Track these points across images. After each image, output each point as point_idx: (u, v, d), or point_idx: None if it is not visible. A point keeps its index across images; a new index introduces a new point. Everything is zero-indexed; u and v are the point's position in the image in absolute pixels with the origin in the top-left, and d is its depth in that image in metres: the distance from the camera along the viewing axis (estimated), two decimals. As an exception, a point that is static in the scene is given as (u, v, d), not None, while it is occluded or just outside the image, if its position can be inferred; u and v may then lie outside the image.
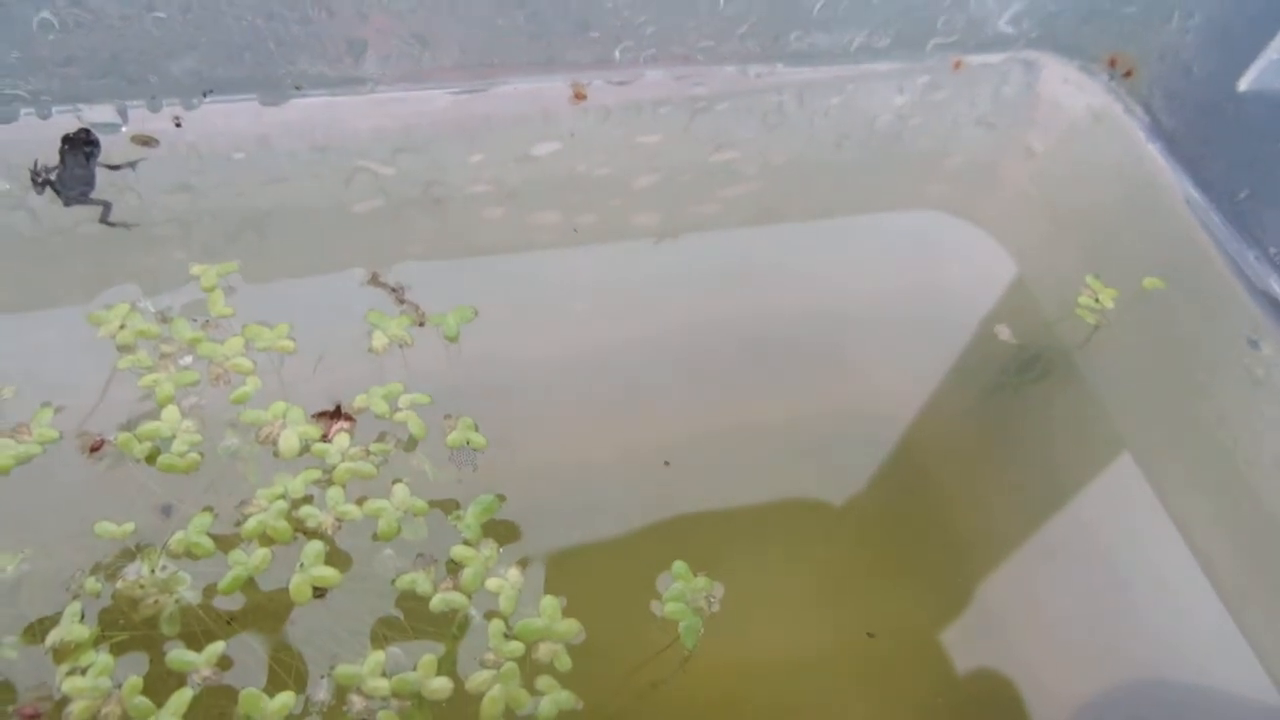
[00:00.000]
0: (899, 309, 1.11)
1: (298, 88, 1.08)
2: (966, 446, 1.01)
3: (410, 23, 1.06)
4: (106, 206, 1.01)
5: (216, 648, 0.73)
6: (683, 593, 0.80)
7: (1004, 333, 1.05)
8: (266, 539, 0.78)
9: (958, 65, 1.29)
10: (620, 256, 1.12)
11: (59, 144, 1.01)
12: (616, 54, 1.17)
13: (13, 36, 0.96)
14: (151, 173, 1.03)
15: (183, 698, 0.70)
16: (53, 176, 1.01)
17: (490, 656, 0.75)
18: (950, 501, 0.96)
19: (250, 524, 0.79)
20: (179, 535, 0.78)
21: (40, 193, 1.01)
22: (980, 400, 1.05)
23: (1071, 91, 1.31)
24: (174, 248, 0.99)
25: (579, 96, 1.17)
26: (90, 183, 1.02)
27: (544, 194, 1.13)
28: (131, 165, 1.04)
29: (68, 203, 1.01)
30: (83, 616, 0.73)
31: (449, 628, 0.77)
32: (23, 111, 1.02)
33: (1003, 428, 1.02)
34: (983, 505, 0.96)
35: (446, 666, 0.74)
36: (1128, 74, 1.27)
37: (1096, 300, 1.07)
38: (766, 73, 1.25)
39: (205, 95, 1.05)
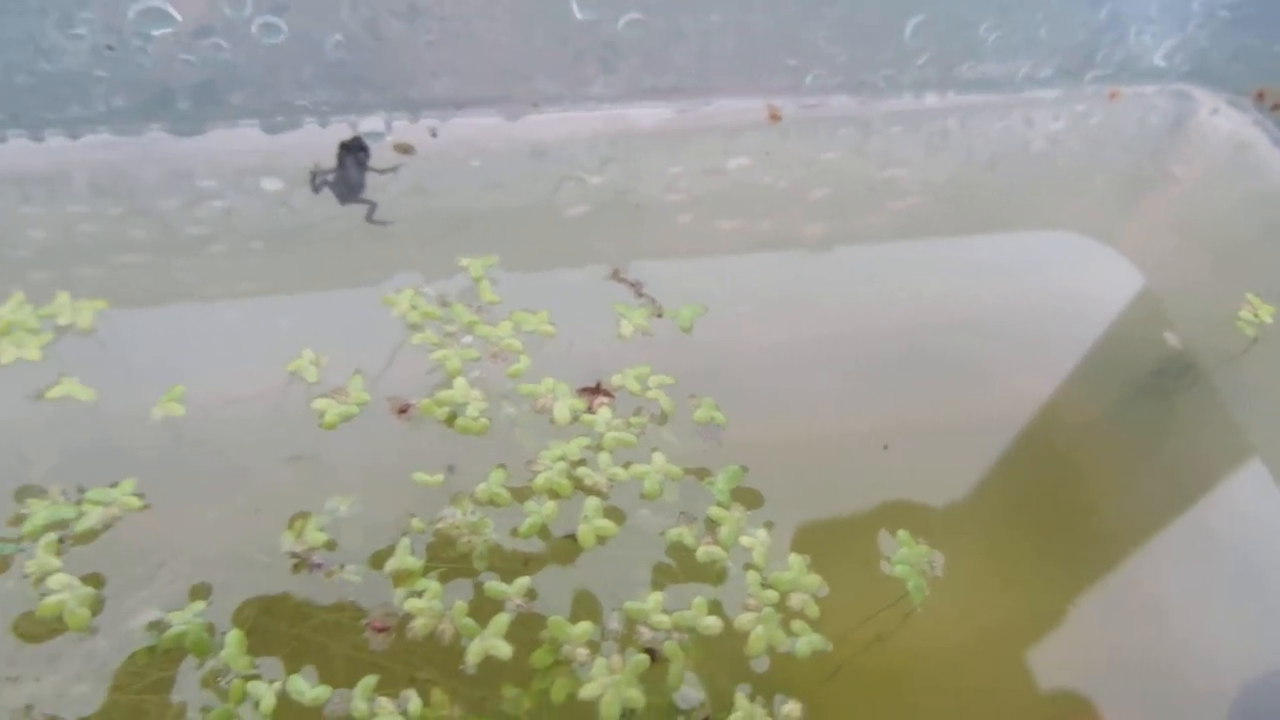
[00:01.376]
0: (1050, 319, 1.21)
1: (535, 105, 1.20)
2: (1121, 446, 1.10)
3: (640, 49, 1.18)
4: (373, 206, 1.14)
5: (523, 581, 0.85)
6: (908, 557, 0.91)
7: (1171, 339, 1.14)
8: (553, 493, 0.91)
9: (1114, 95, 1.38)
10: (794, 261, 1.22)
11: (337, 150, 1.15)
12: (808, 80, 1.28)
13: (309, 56, 1.10)
14: (406, 177, 1.17)
15: (501, 620, 0.82)
16: (330, 178, 1.15)
17: (751, 601, 0.86)
18: (1102, 494, 1.05)
19: (539, 479, 0.91)
20: (482, 486, 0.90)
21: (317, 192, 1.15)
22: (1132, 403, 1.14)
23: (1220, 122, 1.40)
24: (433, 241, 1.12)
25: (774, 117, 1.28)
26: (362, 184, 1.15)
27: (730, 203, 1.24)
28: (393, 170, 1.17)
29: (343, 201, 1.14)
30: (411, 550, 0.85)
31: (710, 576, 0.88)
32: (306, 121, 1.16)
33: (1155, 430, 1.12)
34: (1132, 499, 1.05)
35: (714, 608, 0.86)
36: (1275, 107, 1.35)
37: (1255, 315, 1.15)
38: (938, 98, 1.35)
39: (458, 110, 1.18)
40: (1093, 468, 1.08)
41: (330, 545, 0.85)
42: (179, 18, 1.03)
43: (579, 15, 1.13)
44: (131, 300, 1.01)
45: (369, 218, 1.14)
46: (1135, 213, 1.39)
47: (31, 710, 0.74)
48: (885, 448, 1.00)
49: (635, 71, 1.20)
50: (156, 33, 1.03)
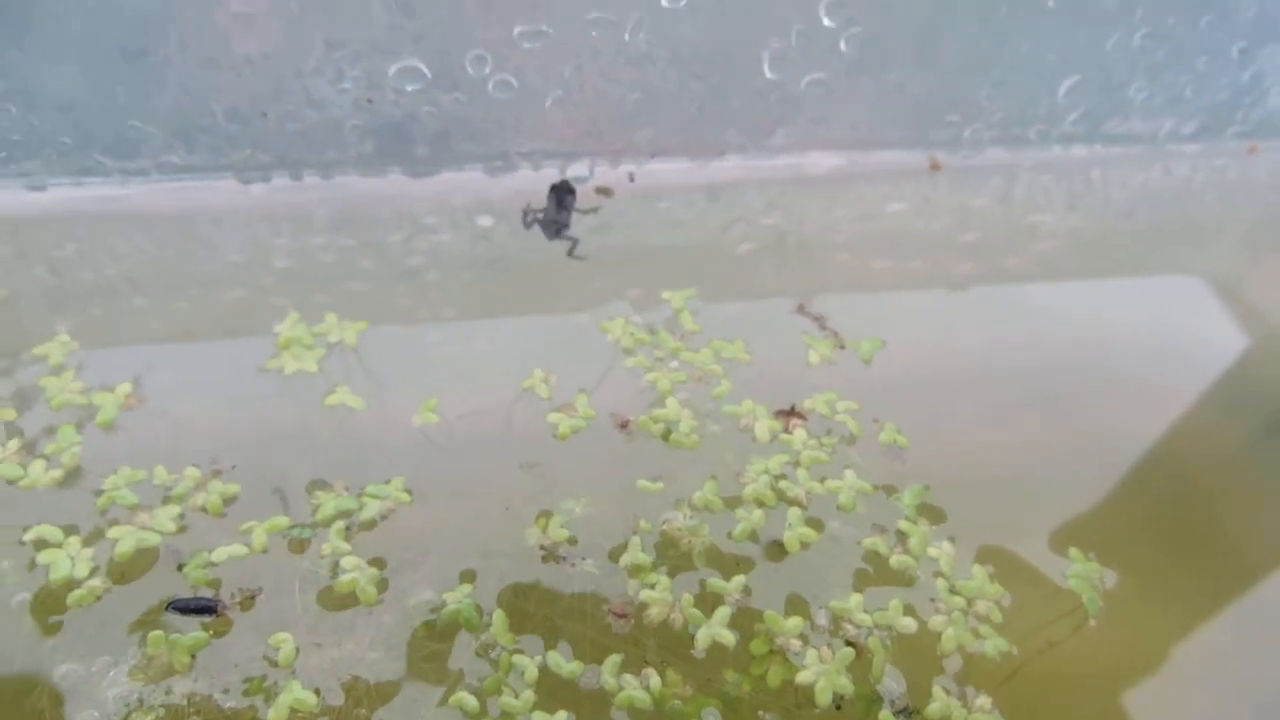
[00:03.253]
0: (1181, 361, 1.26)
1: (721, 154, 1.31)
2: (1258, 479, 1.16)
3: (819, 105, 1.28)
4: (575, 242, 1.25)
5: (740, 579, 0.94)
6: (1082, 572, 0.98)
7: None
8: (759, 503, 1.00)
9: (1252, 150, 1.43)
10: (939, 298, 1.30)
11: (548, 192, 1.27)
12: (966, 133, 1.36)
13: (531, 108, 1.22)
14: (601, 216, 1.28)
15: (723, 612, 0.92)
16: (540, 216, 1.26)
17: (941, 605, 0.94)
18: (1241, 525, 1.10)
19: (747, 490, 1.00)
20: (698, 494, 1.00)
21: (528, 228, 1.26)
22: (1266, 440, 1.19)
23: (1355, 176, 1.45)
24: (626, 274, 1.22)
25: (935, 167, 1.37)
26: (567, 223, 1.26)
27: (884, 245, 1.33)
28: (594, 210, 1.28)
29: (550, 237, 1.26)
30: (641, 547, 0.95)
31: (902, 582, 0.96)
32: (522, 166, 1.28)
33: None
34: (1269, 528, 1.10)
35: (908, 610, 0.94)
36: None
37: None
38: (1085, 150, 1.42)
39: (653, 158, 1.29)
40: (1231, 500, 1.14)
41: (571, 541, 0.96)
42: (429, 75, 1.15)
43: (769, 75, 1.23)
44: (382, 320, 1.14)
45: (570, 253, 1.25)
46: (1266, 261, 1.44)
47: (337, 669, 0.86)
48: (1047, 472, 1.07)
49: (812, 124, 1.30)
50: (410, 88, 1.16)
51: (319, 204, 1.26)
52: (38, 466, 0.96)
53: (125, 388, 1.03)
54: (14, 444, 0.97)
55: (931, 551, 0.98)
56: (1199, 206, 1.47)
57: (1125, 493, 1.09)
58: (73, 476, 0.96)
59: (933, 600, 0.95)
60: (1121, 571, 1.00)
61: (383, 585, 0.91)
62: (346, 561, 0.92)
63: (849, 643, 0.91)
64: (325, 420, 1.04)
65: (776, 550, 0.97)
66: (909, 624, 0.93)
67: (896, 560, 0.97)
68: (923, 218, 1.38)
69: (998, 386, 1.19)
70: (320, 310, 1.13)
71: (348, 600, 0.90)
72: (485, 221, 1.28)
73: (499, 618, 0.89)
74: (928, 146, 1.36)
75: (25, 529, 0.91)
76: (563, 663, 0.87)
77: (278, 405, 1.04)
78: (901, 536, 0.99)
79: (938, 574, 0.96)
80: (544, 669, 0.87)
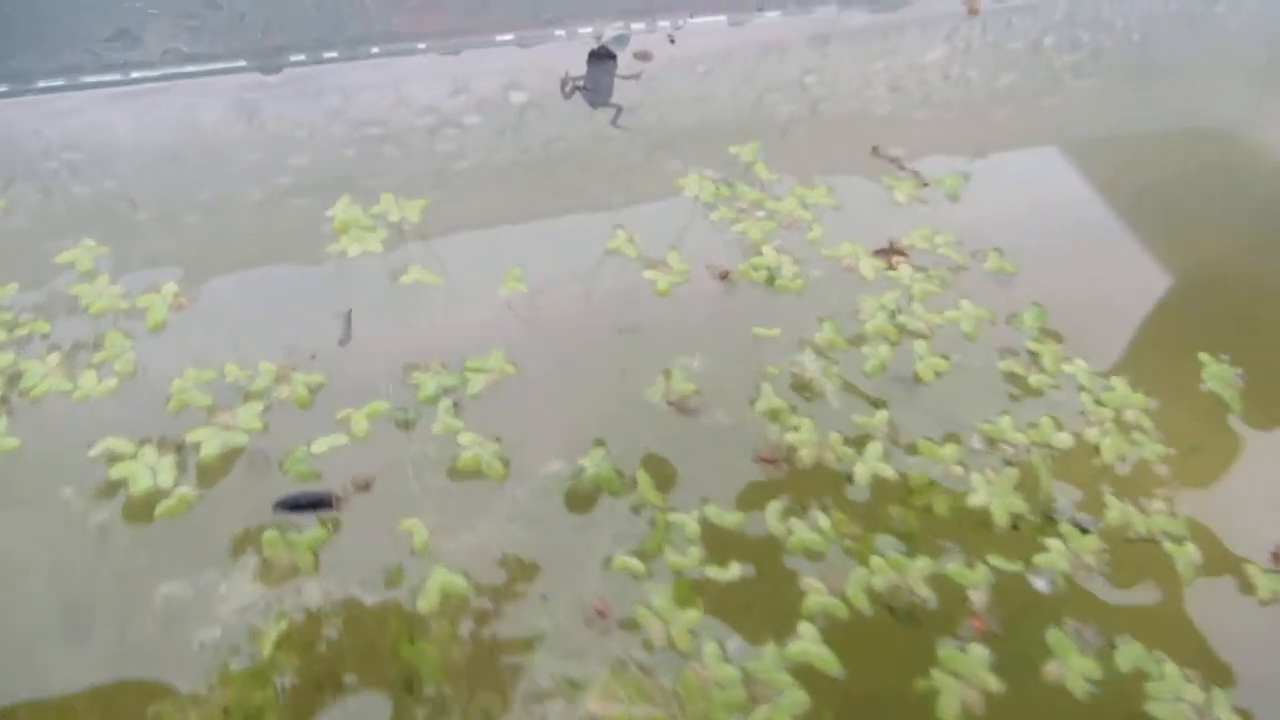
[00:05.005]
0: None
1: (760, 9, 1.21)
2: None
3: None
4: (619, 110, 1.15)
5: (883, 413, 0.86)
6: (1216, 374, 0.92)
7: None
8: (883, 337, 0.92)
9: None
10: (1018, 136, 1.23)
11: (587, 59, 1.15)
12: (997, -27, 1.29)
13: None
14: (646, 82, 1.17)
15: (876, 447, 0.83)
16: (581, 85, 1.15)
17: (1091, 416, 0.88)
18: None
19: (868, 326, 0.92)
20: (819, 334, 0.91)
21: (568, 98, 1.15)
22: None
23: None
24: (680, 139, 1.12)
25: (973, 11, 1.29)
26: (610, 90, 1.15)
27: (927, 93, 1.25)
28: (636, 76, 1.17)
29: (594, 105, 1.14)
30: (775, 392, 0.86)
31: (1043, 399, 0.89)
32: (555, 33, 1.16)
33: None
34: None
35: (1058, 424, 0.87)
36: None
37: None
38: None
39: (691, 16, 1.19)
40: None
41: (695, 393, 0.86)
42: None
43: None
44: (441, 201, 1.01)
45: (614, 122, 1.14)
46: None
47: (480, 549, 0.75)
48: (1157, 288, 1.02)
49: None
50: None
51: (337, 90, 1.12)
52: (89, 378, 0.82)
53: (171, 287, 0.89)
54: (54, 358, 0.83)
55: (1066, 368, 0.91)
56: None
57: (1243, 295, 1.03)
58: (130, 384, 0.83)
59: (1082, 413, 0.88)
60: (1250, 370, 0.95)
61: (505, 460, 0.81)
62: (464, 438, 0.81)
63: (1008, 462, 0.84)
64: (401, 300, 0.92)
65: (909, 384, 0.89)
66: (1065, 438, 0.86)
67: (1035, 379, 0.90)
68: (960, 65, 1.30)
69: (1087, 211, 1.12)
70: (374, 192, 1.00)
71: (472, 479, 0.79)
72: (519, 97, 1.16)
73: (643, 477, 0.80)
74: (963, -12, 1.29)
75: (90, 444, 0.78)
76: (723, 514, 0.78)
77: (344, 291, 0.92)
78: (1034, 356, 0.92)
79: (1080, 388, 0.90)
80: (704, 522, 0.78)
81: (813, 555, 0.76)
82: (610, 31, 1.17)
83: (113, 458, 0.77)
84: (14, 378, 0.81)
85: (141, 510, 0.75)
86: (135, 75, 1.04)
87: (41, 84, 1.02)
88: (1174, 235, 1.10)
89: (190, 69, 1.07)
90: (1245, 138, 1.27)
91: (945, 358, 0.91)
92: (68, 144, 1.04)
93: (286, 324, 0.89)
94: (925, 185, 1.07)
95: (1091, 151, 1.20)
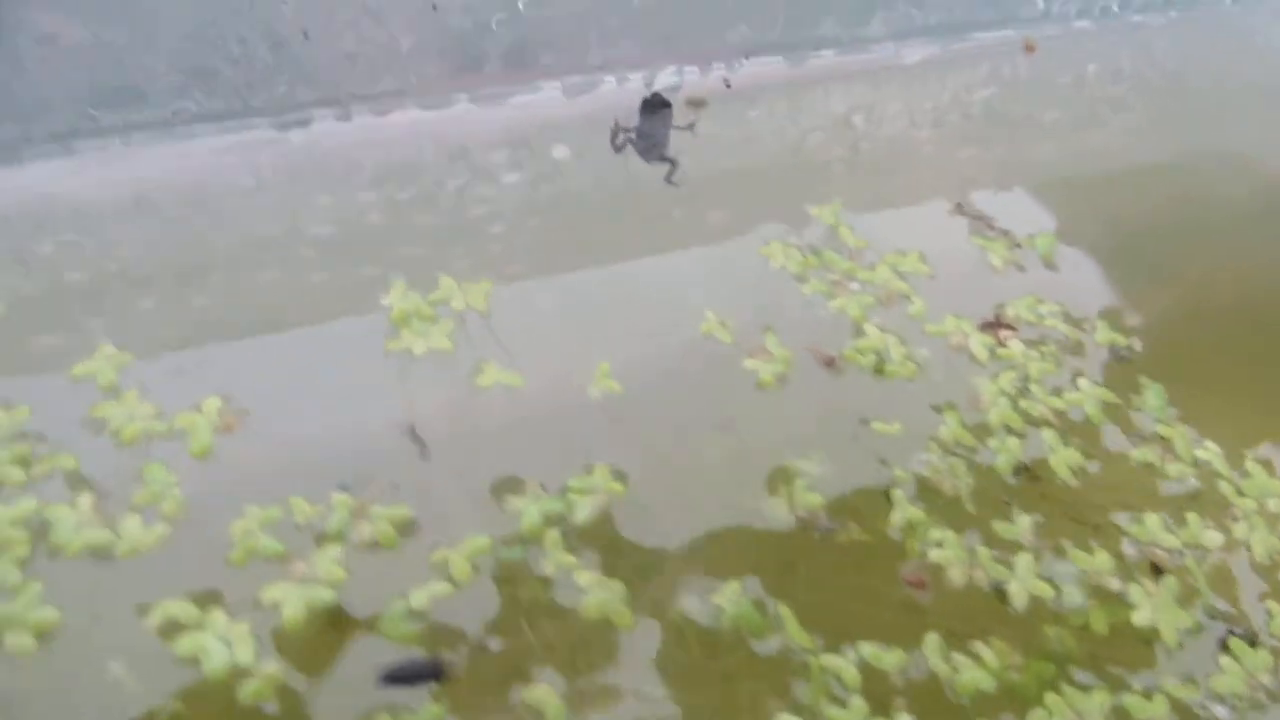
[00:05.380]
0: None
1: (816, 49, 1.12)
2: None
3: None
4: (674, 165, 1.04)
5: (1025, 519, 0.78)
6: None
7: None
8: (1008, 428, 0.84)
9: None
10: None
11: (639, 108, 1.04)
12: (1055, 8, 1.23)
13: (618, 6, 0.99)
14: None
15: (1025, 560, 0.76)
16: (632, 137, 1.04)
17: (1236, 510, 0.82)
18: None
19: (992, 415, 0.84)
20: (944, 428, 0.83)
21: (618, 151, 1.04)
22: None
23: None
24: (740, 193, 1.03)
25: (1030, 48, 1.23)
26: (666, 142, 1.05)
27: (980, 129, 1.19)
28: (690, 127, 1.07)
29: (647, 159, 1.04)
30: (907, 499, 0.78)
31: (1183, 491, 0.83)
32: (604, 80, 1.05)
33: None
34: None
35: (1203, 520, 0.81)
36: None
37: None
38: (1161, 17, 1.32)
39: (747, 58, 1.09)
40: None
41: (823, 505, 0.77)
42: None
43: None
44: (501, 280, 0.90)
45: (669, 178, 1.04)
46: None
47: (618, 711, 0.65)
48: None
49: (908, 8, 1.13)
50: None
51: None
52: (132, 524, 0.69)
53: (214, 402, 0.76)
54: (86, 500, 0.70)
55: (1199, 453, 0.85)
56: None
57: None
58: (180, 529, 0.70)
59: (1226, 507, 0.82)
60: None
61: (631, 599, 0.70)
62: (582, 578, 0.70)
63: (1157, 568, 0.78)
64: (480, 406, 0.80)
65: (1037, 477, 0.82)
66: (1214, 537, 0.80)
67: (1174, 469, 0.83)
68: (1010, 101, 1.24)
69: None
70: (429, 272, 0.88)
71: (595, 627, 0.69)
72: (561, 153, 1.05)
73: (786, 614, 0.70)
74: (1019, 25, 1.22)
75: (142, 610, 0.65)
76: (880, 654, 0.69)
77: (411, 396, 0.80)
78: (1164, 441, 0.85)
79: (1217, 475, 0.84)
80: (863, 665, 0.69)
81: (981, 698, 0.69)
82: (663, 78, 1.07)
83: (173, 627, 0.64)
84: (40, 529, 0.68)
85: (218, 693, 0.63)
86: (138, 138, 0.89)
87: (28, 152, 0.87)
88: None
89: (200, 128, 0.93)
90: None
91: (1079, 449, 0.84)
92: (62, 221, 0.89)
93: (352, 441, 0.77)
94: (1017, 246, 1.00)
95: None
